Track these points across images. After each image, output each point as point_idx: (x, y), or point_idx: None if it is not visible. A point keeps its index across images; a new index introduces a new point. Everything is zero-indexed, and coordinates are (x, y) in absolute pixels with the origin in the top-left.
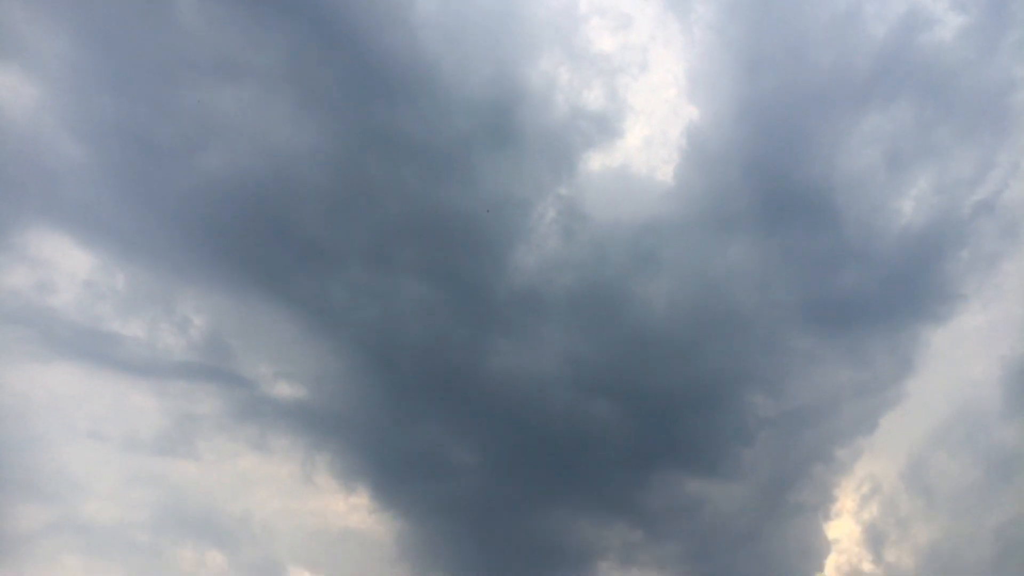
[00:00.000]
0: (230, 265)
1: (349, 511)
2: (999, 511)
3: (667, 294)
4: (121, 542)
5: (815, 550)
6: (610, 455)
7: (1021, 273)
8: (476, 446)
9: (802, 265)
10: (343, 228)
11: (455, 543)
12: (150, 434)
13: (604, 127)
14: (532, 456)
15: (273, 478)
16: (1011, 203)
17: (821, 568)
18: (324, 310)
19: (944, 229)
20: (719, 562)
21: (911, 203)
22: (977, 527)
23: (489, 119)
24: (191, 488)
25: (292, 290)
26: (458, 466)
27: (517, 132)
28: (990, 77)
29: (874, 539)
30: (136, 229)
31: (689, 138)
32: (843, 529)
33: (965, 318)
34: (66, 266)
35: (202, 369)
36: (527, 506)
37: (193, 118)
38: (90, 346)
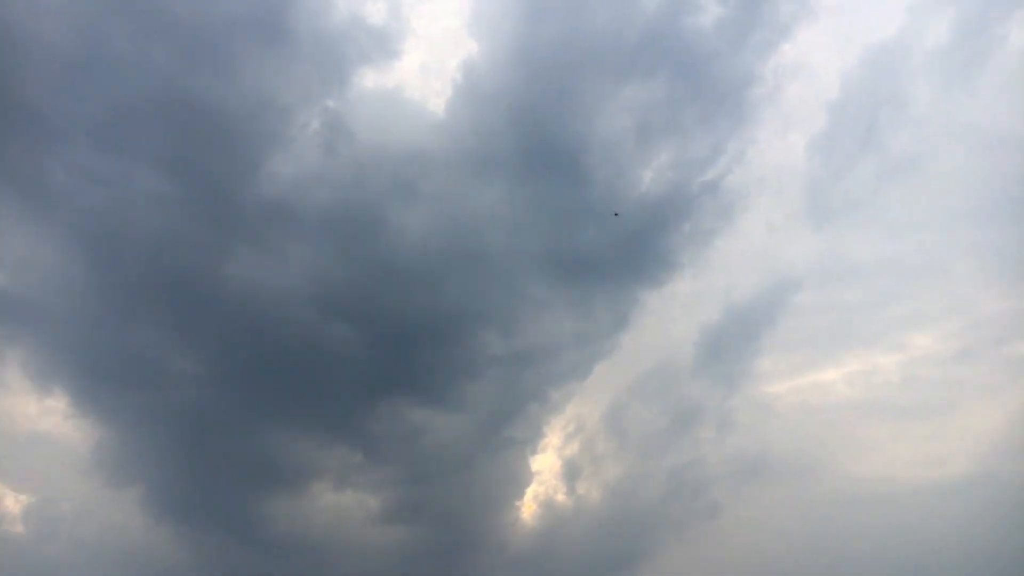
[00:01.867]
0: None
1: (42, 414)
2: (675, 455)
3: (421, 226)
4: None
5: (520, 480)
6: (341, 378)
7: (728, 250)
8: (199, 356)
9: (549, 217)
10: (72, 100)
11: (162, 456)
12: None
13: (382, 44)
14: (260, 372)
15: None
16: (732, 187)
17: (522, 496)
18: (38, 189)
19: (674, 202)
20: (432, 487)
21: (651, 174)
22: (655, 467)
23: (259, 9)
24: None
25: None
26: (176, 375)
27: (289, 30)
28: (735, 70)
29: (571, 473)
30: None
31: (465, 73)
32: (546, 463)
33: (677, 285)
34: None
35: None
36: (247, 423)
37: None
38: None
